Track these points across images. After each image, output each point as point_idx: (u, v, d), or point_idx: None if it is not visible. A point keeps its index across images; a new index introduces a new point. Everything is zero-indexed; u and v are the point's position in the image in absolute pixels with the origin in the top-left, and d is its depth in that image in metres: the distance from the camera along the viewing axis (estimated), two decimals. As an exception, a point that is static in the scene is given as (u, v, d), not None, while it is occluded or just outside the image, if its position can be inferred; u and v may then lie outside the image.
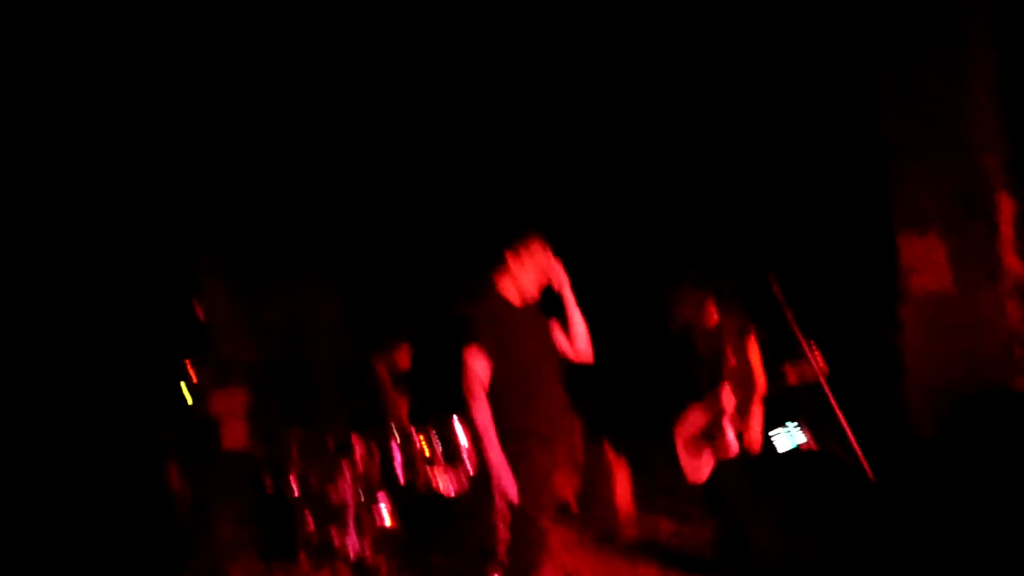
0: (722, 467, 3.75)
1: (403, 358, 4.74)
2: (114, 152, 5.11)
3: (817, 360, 3.38)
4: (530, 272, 3.11)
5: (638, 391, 5.91)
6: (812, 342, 3.38)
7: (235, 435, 4.86)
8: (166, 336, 5.14)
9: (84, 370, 4.17)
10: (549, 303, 3.17)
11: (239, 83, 5.26)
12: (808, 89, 4.79)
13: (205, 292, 5.27)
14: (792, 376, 3.53)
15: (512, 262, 3.14)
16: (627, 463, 5.53)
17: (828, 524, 3.57)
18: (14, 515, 3.65)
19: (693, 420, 3.84)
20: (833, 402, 3.21)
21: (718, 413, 3.71)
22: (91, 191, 5.09)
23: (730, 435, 3.66)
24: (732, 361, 3.78)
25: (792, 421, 3.44)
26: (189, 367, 4.85)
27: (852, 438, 3.12)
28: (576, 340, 3.17)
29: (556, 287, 3.14)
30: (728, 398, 3.66)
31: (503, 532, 3.17)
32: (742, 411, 3.68)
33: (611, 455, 5.54)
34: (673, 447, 4.09)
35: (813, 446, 3.36)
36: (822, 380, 3.33)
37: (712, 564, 3.96)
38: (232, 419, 4.94)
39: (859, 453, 3.07)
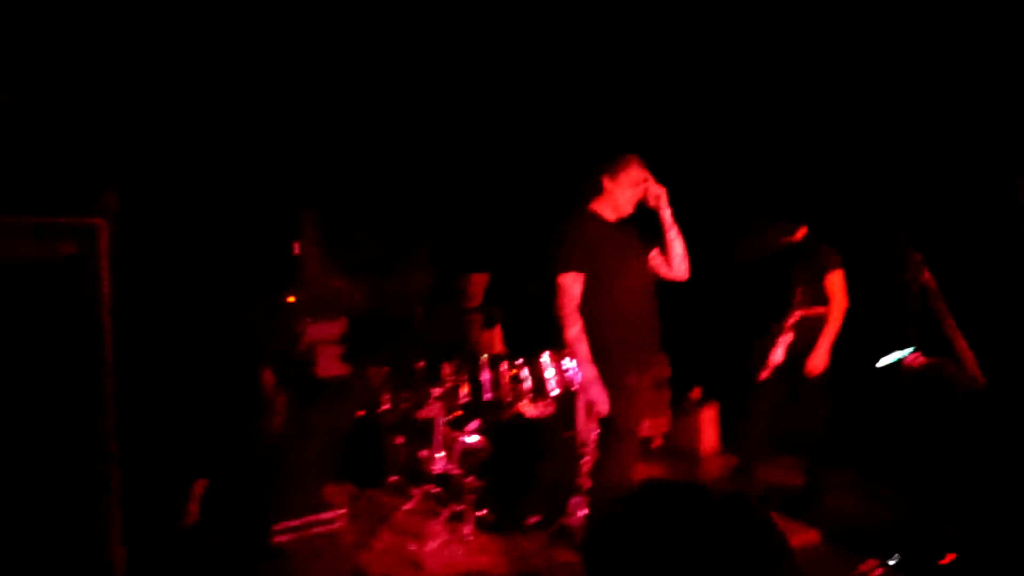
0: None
1: (493, 286, 4.86)
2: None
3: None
4: (626, 190, 3.10)
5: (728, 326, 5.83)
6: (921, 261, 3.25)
7: (329, 363, 5.07)
8: (269, 273, 5.39)
9: (194, 297, 4.42)
10: (647, 224, 3.17)
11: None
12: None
13: (305, 235, 5.54)
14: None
15: (607, 183, 3.14)
16: (713, 402, 5.52)
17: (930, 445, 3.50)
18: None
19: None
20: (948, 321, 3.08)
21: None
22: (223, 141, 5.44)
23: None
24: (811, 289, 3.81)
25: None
26: (289, 300, 5.09)
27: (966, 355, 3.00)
28: (672, 258, 3.15)
29: (652, 203, 3.12)
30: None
31: (589, 456, 3.23)
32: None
33: (699, 397, 5.55)
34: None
35: (920, 361, 3.25)
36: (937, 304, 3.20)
37: (795, 506, 3.94)
38: (327, 348, 5.16)
39: (972, 366, 2.95)
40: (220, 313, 4.28)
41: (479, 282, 5.19)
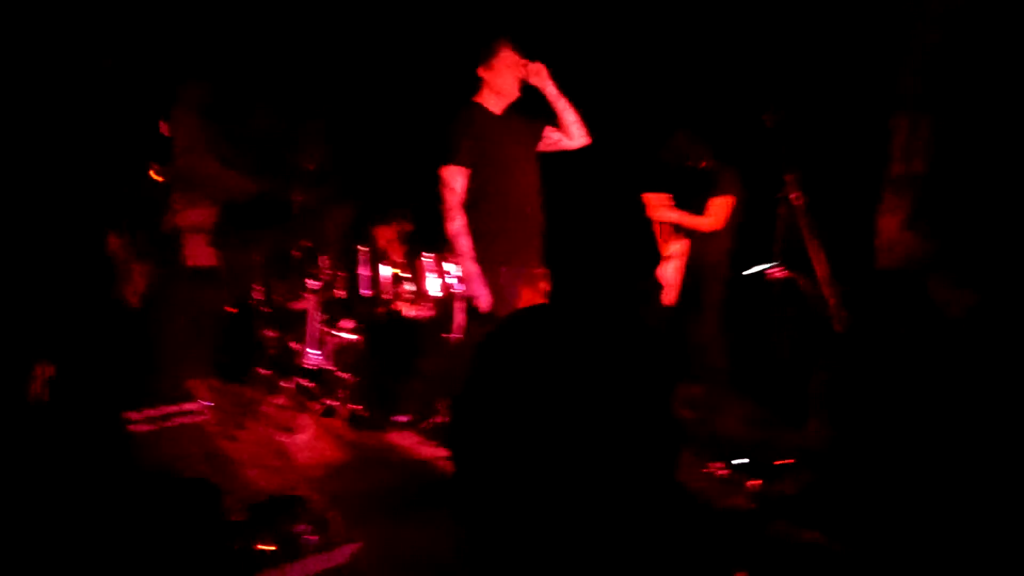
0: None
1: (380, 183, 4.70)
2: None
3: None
4: (504, 75, 3.05)
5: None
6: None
7: (199, 251, 4.79)
8: (137, 146, 4.94)
9: (51, 159, 4.01)
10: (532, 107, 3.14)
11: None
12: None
13: (181, 110, 5.09)
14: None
15: (484, 73, 3.08)
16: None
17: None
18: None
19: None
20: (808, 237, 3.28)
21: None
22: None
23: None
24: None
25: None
26: (155, 176, 4.71)
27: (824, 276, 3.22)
28: (567, 126, 3.16)
29: (534, 81, 3.09)
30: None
31: (466, 352, 3.23)
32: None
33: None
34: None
35: (778, 274, 3.48)
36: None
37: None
38: (196, 236, 4.85)
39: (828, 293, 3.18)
40: (63, 178, 3.91)
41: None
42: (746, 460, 3.57)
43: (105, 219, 4.11)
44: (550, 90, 3.08)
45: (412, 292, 4.22)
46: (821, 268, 3.28)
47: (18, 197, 3.62)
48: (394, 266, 4.08)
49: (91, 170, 4.19)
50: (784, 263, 3.51)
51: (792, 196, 3.36)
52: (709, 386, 4.02)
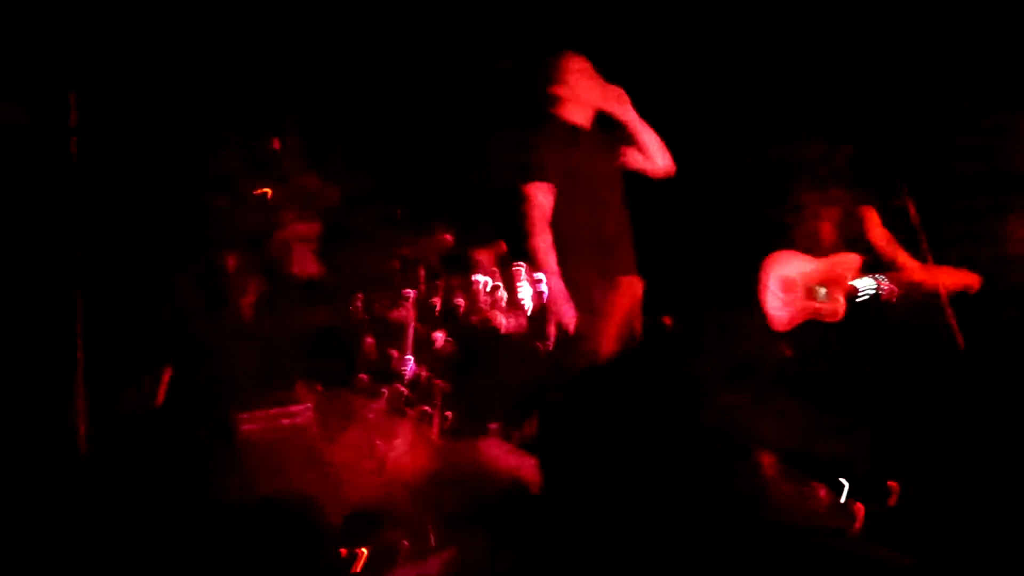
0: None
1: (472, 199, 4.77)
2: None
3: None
4: (581, 85, 3.00)
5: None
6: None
7: (304, 261, 5.02)
8: (243, 163, 5.23)
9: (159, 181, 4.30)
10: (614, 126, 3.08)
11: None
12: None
13: (287, 132, 5.37)
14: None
15: (559, 90, 3.05)
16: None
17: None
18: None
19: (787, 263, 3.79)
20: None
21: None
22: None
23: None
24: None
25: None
26: (263, 191, 4.98)
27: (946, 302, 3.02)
28: (649, 153, 3.07)
29: (611, 108, 3.02)
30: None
31: (555, 367, 3.25)
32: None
33: (671, 325, 5.59)
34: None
35: (897, 290, 3.28)
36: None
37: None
38: (302, 246, 5.09)
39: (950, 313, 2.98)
40: (183, 198, 4.18)
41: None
42: (850, 481, 3.41)
43: (222, 237, 4.36)
44: (629, 118, 3.01)
45: (506, 302, 4.27)
46: (941, 284, 3.08)
47: (149, 218, 3.91)
48: (488, 276, 4.14)
49: (208, 190, 4.47)
50: (898, 280, 3.32)
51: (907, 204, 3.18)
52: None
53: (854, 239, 3.62)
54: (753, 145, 4.74)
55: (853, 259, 3.55)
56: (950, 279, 3.31)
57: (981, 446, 3.26)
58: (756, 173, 4.03)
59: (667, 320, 5.66)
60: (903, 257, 3.51)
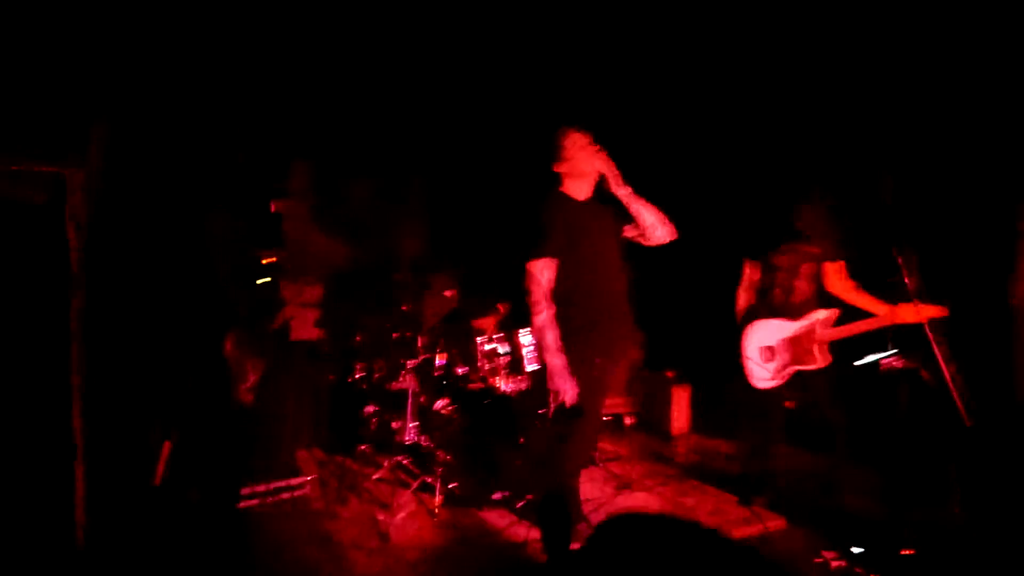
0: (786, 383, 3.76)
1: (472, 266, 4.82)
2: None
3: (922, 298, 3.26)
4: (580, 161, 3.04)
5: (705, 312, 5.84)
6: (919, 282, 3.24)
7: (304, 327, 5.01)
8: (246, 231, 5.27)
9: (167, 256, 4.32)
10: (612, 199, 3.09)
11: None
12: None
13: (292, 190, 5.41)
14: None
15: (560, 167, 3.09)
16: (688, 385, 5.56)
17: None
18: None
19: (763, 332, 3.81)
20: (931, 336, 3.08)
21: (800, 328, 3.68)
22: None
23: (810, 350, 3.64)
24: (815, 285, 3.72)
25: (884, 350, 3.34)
26: (265, 259, 5.00)
27: (948, 373, 3.00)
28: (646, 229, 3.07)
29: (606, 185, 3.05)
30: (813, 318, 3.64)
31: (557, 437, 3.21)
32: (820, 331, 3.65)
33: (672, 377, 5.57)
34: (736, 371, 4.05)
35: (896, 364, 3.26)
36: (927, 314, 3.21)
37: (760, 485, 3.97)
38: (302, 311, 5.09)
39: (954, 389, 2.95)
40: (190, 272, 4.20)
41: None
42: (863, 550, 3.34)
43: (224, 318, 4.38)
44: (623, 195, 3.04)
45: (507, 367, 4.25)
46: (943, 356, 3.06)
47: (154, 294, 3.92)
48: (490, 341, 4.13)
49: (216, 262, 4.49)
50: (901, 351, 3.29)
51: (906, 279, 3.18)
52: (829, 455, 3.80)
53: (822, 298, 3.69)
54: (735, 205, 4.81)
55: (823, 314, 3.59)
56: (910, 315, 3.33)
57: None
58: (737, 235, 4.10)
59: (669, 373, 5.65)
60: (866, 302, 3.54)
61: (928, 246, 3.38)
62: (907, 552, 3.27)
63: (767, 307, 3.84)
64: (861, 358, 3.52)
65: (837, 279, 3.71)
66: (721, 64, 5.36)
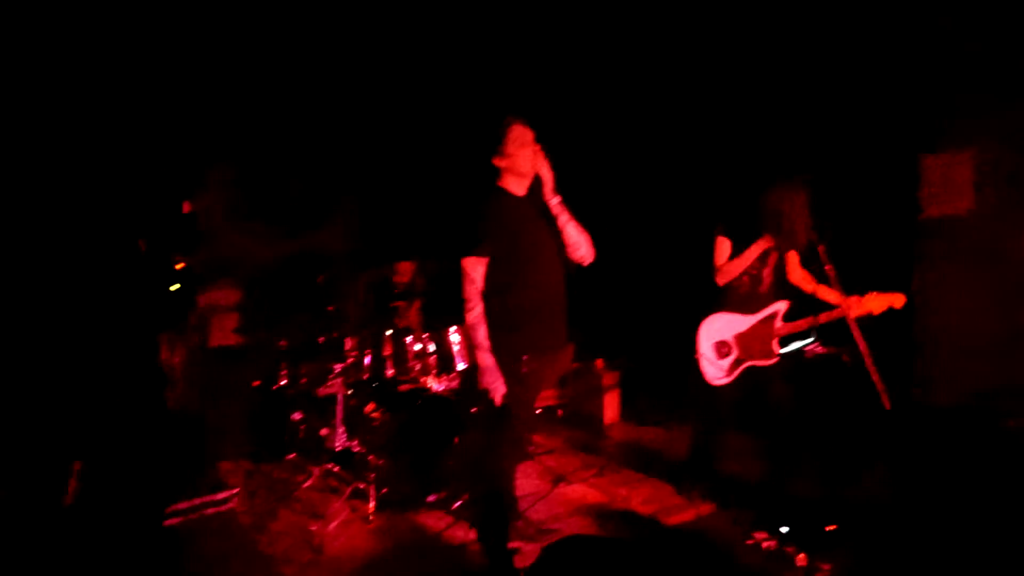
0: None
1: (404, 265, 4.74)
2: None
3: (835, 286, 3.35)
4: (520, 157, 3.00)
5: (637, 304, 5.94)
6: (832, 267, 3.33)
7: (223, 333, 4.82)
8: (160, 232, 5.01)
9: (73, 262, 4.06)
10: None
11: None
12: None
13: (208, 192, 5.17)
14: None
15: (500, 162, 3.05)
16: (618, 374, 5.62)
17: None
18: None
19: (720, 327, 3.82)
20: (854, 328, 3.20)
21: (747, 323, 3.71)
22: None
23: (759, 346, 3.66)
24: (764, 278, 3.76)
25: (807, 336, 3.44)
26: (181, 263, 4.77)
27: (869, 359, 3.11)
28: (567, 245, 3.07)
29: (544, 191, 3.02)
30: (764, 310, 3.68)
31: (489, 434, 3.18)
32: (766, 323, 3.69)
33: (602, 367, 5.63)
34: (666, 359, 4.10)
35: (820, 350, 3.37)
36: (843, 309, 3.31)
37: (693, 470, 4.05)
38: (221, 317, 4.89)
39: (874, 374, 3.07)
40: (97, 282, 3.96)
41: (405, 270, 4.97)
42: (791, 528, 3.45)
43: (135, 327, 4.16)
44: (554, 204, 3.02)
45: (437, 366, 4.18)
46: (861, 342, 3.18)
47: (62, 307, 3.68)
48: (419, 340, 4.05)
49: (124, 270, 4.26)
50: (822, 338, 3.41)
51: (826, 267, 3.28)
52: (761, 436, 3.87)
53: (782, 289, 3.72)
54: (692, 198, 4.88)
55: (781, 306, 3.65)
56: (875, 304, 3.42)
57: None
58: (695, 228, 4.13)
59: (599, 363, 5.71)
60: (825, 293, 3.61)
61: (841, 239, 3.51)
62: (831, 528, 3.40)
63: (730, 297, 3.79)
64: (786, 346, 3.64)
65: (797, 269, 3.75)
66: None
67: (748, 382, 3.80)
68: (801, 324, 3.60)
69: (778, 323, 3.66)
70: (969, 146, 4.01)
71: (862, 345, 3.18)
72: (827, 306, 3.54)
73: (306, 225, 5.40)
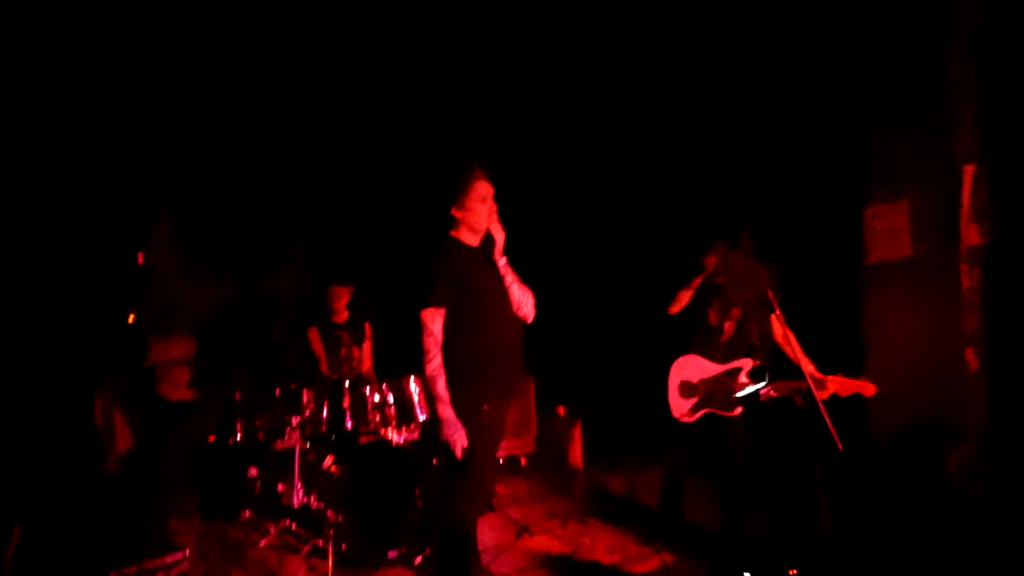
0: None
1: (358, 314, 4.71)
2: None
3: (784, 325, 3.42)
4: (476, 211, 3.05)
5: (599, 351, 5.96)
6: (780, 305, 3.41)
7: (176, 386, 4.70)
8: (109, 284, 4.89)
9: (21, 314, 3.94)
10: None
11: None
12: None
13: (156, 244, 5.08)
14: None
15: (457, 213, 3.08)
16: (580, 422, 5.60)
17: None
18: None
19: (690, 368, 3.87)
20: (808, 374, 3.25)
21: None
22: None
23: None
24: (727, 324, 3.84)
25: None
26: (131, 316, 4.65)
27: (822, 408, 3.15)
28: (512, 302, 3.11)
29: (495, 250, 3.07)
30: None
31: (450, 486, 3.12)
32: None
33: (564, 414, 5.61)
34: (628, 406, 4.12)
35: (773, 394, 3.42)
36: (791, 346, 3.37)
37: (661, 517, 4.03)
38: (173, 369, 4.78)
39: (826, 416, 3.11)
40: (44, 336, 3.84)
41: (342, 295, 4.90)
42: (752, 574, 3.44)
43: (81, 384, 4.03)
44: (501, 264, 3.08)
45: (396, 417, 4.11)
46: (814, 386, 3.24)
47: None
48: (377, 392, 3.99)
49: (79, 323, 4.14)
50: (775, 382, 3.47)
51: (775, 314, 3.34)
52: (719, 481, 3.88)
53: (752, 345, 3.80)
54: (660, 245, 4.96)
55: (747, 363, 3.73)
56: (844, 386, 3.50)
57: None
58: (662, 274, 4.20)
59: (560, 410, 5.69)
60: (804, 362, 3.67)
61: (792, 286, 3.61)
62: (792, 572, 3.39)
63: (708, 340, 3.88)
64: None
65: (779, 329, 3.78)
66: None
67: (709, 427, 3.84)
68: (766, 389, 3.66)
69: (742, 378, 3.73)
70: (904, 195, 4.20)
71: (814, 388, 3.23)
72: (797, 371, 3.56)
73: (256, 273, 5.35)
